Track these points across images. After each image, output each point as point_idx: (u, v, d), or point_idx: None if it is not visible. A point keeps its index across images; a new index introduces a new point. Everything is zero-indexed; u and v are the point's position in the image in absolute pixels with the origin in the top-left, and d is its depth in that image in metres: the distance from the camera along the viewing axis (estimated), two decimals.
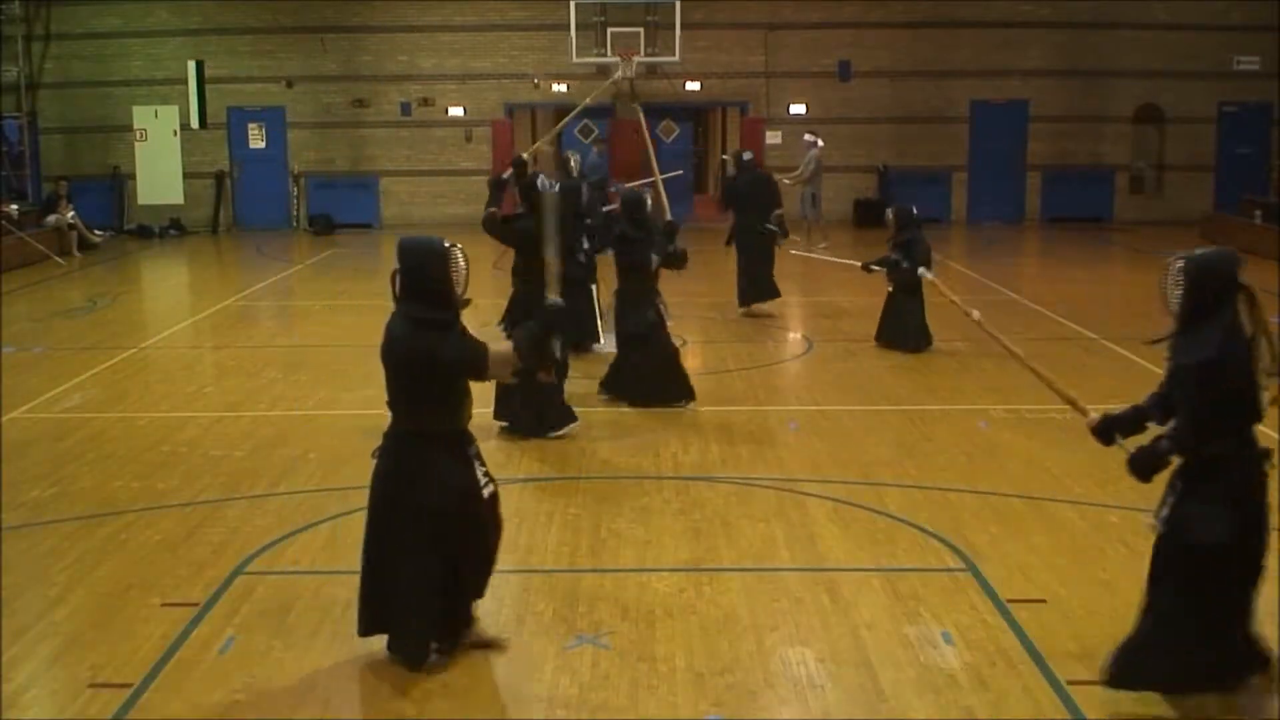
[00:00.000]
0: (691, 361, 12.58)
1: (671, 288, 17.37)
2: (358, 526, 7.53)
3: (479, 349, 5.49)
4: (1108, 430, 5.36)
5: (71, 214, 21.40)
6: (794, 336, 13.88)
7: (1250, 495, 4.97)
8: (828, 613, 6.19)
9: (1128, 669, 5.14)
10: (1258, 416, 4.98)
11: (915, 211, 12.11)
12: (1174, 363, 5.06)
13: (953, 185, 24.87)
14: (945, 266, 19.11)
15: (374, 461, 5.64)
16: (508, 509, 7.91)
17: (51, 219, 21.27)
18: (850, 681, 5.48)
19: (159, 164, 24.75)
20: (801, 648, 5.81)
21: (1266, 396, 4.98)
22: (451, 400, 5.54)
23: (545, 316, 5.93)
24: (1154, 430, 5.24)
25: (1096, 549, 7.05)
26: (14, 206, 21.04)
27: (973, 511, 7.71)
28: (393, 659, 5.63)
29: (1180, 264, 5.02)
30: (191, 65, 23.32)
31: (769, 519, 7.61)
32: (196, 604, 6.34)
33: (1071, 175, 24.92)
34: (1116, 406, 5.46)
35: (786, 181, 18.31)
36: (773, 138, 24.59)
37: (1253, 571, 5.05)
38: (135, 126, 24.67)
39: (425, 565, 5.50)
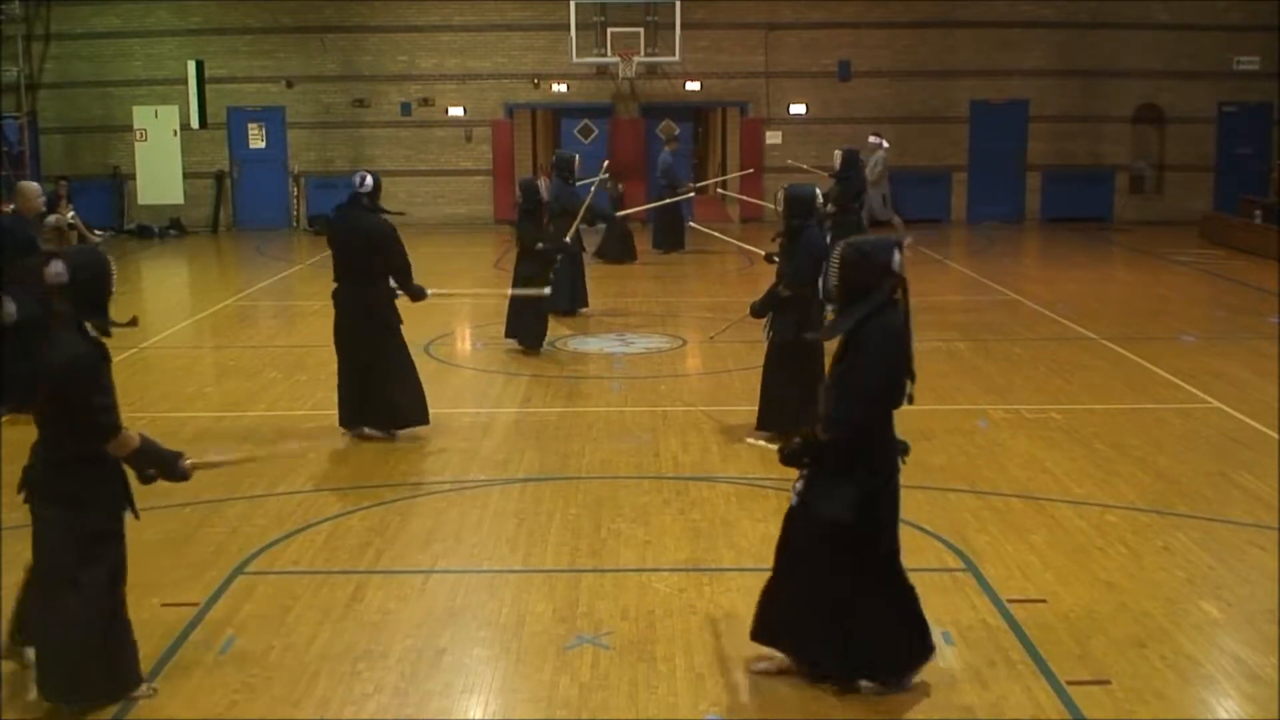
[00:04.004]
0: (691, 361, 12.61)
1: (672, 288, 17.54)
2: (357, 526, 7.61)
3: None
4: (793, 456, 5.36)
5: (71, 214, 21.27)
6: None
7: (882, 478, 5.17)
8: None
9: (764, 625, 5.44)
10: (900, 400, 5.14)
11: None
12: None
13: (952, 185, 24.83)
14: (945, 266, 19.15)
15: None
16: (508, 509, 7.98)
17: (51, 219, 21.18)
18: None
19: (159, 164, 24.71)
20: None
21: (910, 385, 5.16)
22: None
23: None
24: None
25: (1096, 549, 7.05)
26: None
27: (973, 511, 7.71)
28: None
29: (839, 250, 5.23)
30: (191, 65, 23.30)
31: (769, 519, 7.59)
32: (196, 604, 6.34)
33: (1071, 175, 24.90)
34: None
35: None
36: (773, 138, 24.59)
37: (878, 559, 5.23)
38: (135, 126, 24.63)
39: None
